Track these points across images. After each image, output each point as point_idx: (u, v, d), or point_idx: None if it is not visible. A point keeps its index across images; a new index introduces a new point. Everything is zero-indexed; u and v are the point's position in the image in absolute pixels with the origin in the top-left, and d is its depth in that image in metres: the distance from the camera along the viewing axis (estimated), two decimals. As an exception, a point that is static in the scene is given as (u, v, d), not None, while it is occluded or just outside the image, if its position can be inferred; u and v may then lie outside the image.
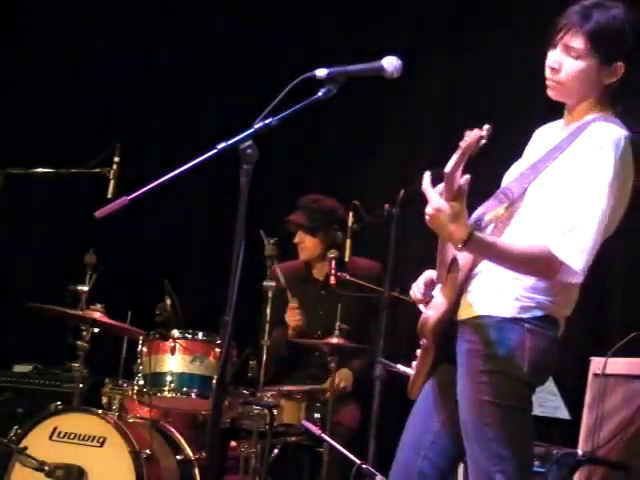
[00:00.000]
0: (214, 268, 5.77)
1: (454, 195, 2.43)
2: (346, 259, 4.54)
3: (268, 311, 4.38)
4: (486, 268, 2.60)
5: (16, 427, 4.33)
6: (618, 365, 3.65)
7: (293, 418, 4.44)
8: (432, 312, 2.63)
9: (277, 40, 6.17)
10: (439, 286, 2.68)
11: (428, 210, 2.44)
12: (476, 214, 2.59)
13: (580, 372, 3.95)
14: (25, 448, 4.10)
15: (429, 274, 2.75)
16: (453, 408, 2.63)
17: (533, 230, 2.53)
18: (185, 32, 6.36)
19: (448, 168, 2.42)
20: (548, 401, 4.20)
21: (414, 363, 2.77)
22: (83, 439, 4.15)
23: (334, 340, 4.47)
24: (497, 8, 5.29)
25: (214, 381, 4.05)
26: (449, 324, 2.62)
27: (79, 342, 4.47)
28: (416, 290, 2.75)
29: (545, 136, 2.76)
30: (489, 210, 2.61)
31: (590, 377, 3.71)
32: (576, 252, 2.45)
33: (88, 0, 6.38)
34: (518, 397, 2.54)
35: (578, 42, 2.55)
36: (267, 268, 4.44)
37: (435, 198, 2.42)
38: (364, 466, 3.77)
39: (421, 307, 2.69)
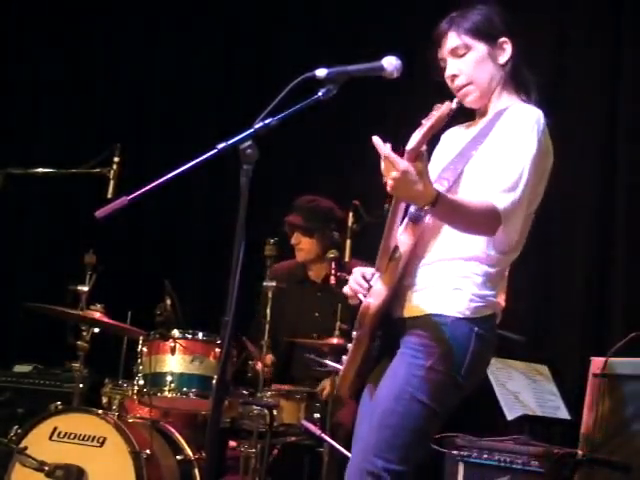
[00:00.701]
0: (214, 268, 5.78)
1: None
2: (346, 259, 4.53)
3: (268, 311, 4.38)
4: (429, 262, 2.63)
5: (16, 427, 4.34)
6: (618, 365, 3.64)
7: (293, 418, 4.44)
8: (373, 300, 2.61)
9: (277, 40, 6.17)
10: (377, 275, 2.65)
11: (394, 174, 2.35)
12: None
13: (580, 372, 3.95)
14: (25, 448, 4.10)
15: (361, 270, 2.72)
16: None
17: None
18: (185, 32, 6.36)
19: (410, 146, 2.36)
20: (548, 401, 4.19)
21: (344, 357, 2.75)
22: (83, 439, 4.15)
23: (334, 340, 4.47)
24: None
25: (214, 381, 4.06)
26: (388, 315, 2.62)
27: (79, 342, 4.48)
28: (356, 286, 2.69)
29: (455, 137, 2.84)
30: None
31: (590, 377, 3.70)
32: (509, 203, 2.51)
33: (88, 0, 6.39)
34: (442, 400, 2.57)
35: (457, 40, 2.73)
36: (267, 268, 4.44)
37: (400, 160, 2.36)
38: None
39: (360, 296, 2.65)
